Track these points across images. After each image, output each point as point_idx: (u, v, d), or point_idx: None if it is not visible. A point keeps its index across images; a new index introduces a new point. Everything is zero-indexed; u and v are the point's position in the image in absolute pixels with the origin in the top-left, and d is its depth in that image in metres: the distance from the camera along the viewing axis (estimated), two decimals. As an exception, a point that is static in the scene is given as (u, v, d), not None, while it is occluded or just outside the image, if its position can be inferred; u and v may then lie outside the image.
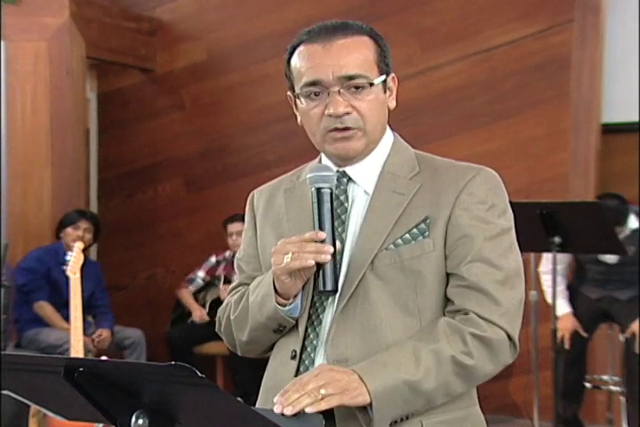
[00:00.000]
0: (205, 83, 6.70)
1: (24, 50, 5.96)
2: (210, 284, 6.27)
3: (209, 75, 6.68)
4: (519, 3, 5.90)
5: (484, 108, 5.95)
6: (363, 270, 1.81)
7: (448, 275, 1.83)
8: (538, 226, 4.48)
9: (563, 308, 5.07)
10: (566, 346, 5.00)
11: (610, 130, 5.80)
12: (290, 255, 1.76)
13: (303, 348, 1.85)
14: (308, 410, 1.61)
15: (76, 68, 6.07)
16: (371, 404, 1.69)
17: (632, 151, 5.53)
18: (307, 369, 1.83)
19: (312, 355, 1.84)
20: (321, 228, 1.79)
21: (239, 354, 2.03)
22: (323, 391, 1.64)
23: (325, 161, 1.94)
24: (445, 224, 1.82)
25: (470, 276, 1.79)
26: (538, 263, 5.10)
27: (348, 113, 1.82)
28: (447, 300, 1.83)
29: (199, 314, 6.12)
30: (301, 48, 1.86)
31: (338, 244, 1.81)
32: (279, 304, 1.82)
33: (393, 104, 1.92)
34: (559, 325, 4.88)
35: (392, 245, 1.82)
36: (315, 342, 1.84)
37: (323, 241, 1.77)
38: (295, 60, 1.87)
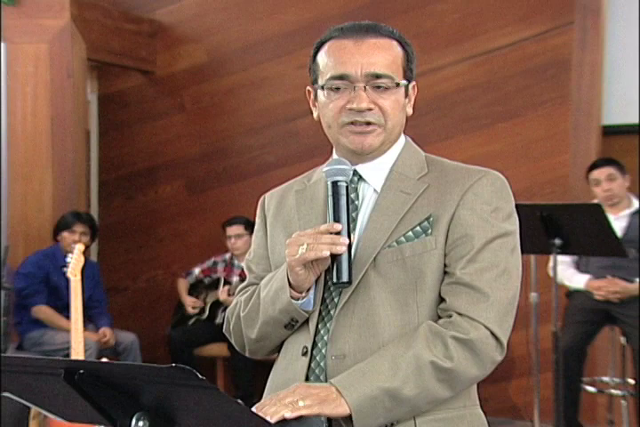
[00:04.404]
0: (206, 85, 6.70)
1: (25, 52, 5.96)
2: (209, 285, 6.27)
3: (209, 77, 6.68)
4: (519, 5, 5.91)
5: (484, 111, 5.95)
6: (365, 267, 1.83)
7: (445, 273, 1.84)
8: (538, 228, 4.47)
9: (581, 278, 5.07)
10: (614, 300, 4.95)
11: (610, 132, 5.80)
12: (305, 246, 1.78)
13: (314, 344, 1.85)
14: (287, 416, 1.63)
15: (77, 70, 6.07)
16: (351, 415, 1.70)
17: (632, 153, 5.52)
18: (317, 365, 1.84)
19: (323, 350, 1.84)
20: (336, 220, 1.81)
21: (247, 354, 2.03)
22: (301, 403, 1.66)
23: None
24: (448, 223, 1.84)
25: (464, 274, 1.81)
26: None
27: (370, 109, 1.84)
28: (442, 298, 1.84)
29: (190, 304, 6.21)
30: (332, 42, 1.89)
31: (352, 236, 1.82)
32: (292, 298, 1.83)
33: (410, 111, 1.94)
34: (595, 290, 4.93)
35: (395, 243, 1.84)
36: (325, 337, 1.85)
37: (338, 233, 1.79)
38: (323, 54, 1.89)
